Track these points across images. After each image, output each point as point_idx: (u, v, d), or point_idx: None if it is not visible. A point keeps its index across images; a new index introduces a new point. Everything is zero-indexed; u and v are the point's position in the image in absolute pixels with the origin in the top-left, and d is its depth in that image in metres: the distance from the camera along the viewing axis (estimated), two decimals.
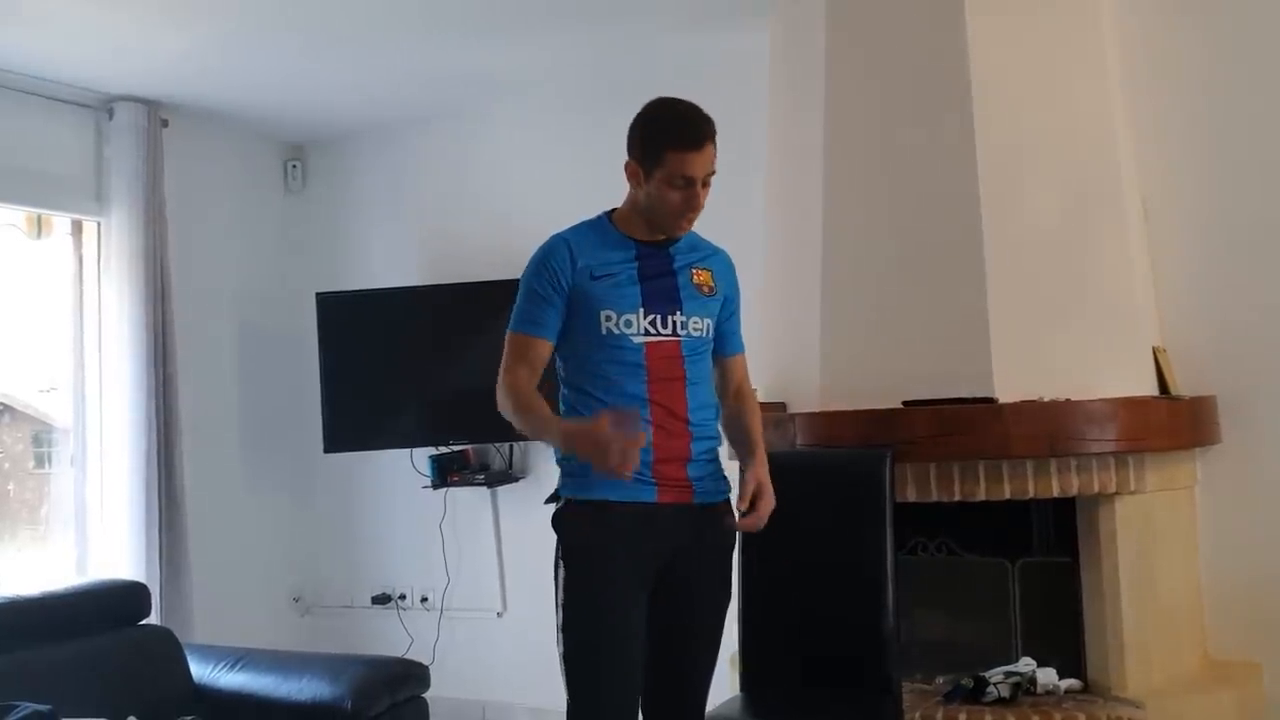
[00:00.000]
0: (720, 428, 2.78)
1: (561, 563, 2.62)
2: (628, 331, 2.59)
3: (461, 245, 5.40)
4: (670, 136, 2.56)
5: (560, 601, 2.60)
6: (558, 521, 2.65)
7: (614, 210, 2.72)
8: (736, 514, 2.65)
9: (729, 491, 2.75)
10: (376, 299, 5.32)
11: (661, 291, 2.64)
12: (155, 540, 4.77)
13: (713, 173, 2.60)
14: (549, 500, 2.68)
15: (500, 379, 2.64)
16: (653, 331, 2.61)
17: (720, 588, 2.74)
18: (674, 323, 2.63)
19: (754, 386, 2.93)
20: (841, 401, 3.68)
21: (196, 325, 5.23)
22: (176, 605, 4.79)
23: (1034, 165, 3.70)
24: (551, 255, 2.63)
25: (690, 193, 2.57)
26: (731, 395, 2.84)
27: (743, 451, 2.79)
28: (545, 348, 2.65)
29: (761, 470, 2.68)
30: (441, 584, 5.43)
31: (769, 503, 2.65)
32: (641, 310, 2.60)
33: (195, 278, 5.25)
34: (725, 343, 2.82)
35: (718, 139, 2.59)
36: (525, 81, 5.11)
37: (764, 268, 4.11)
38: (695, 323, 2.67)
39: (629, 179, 2.65)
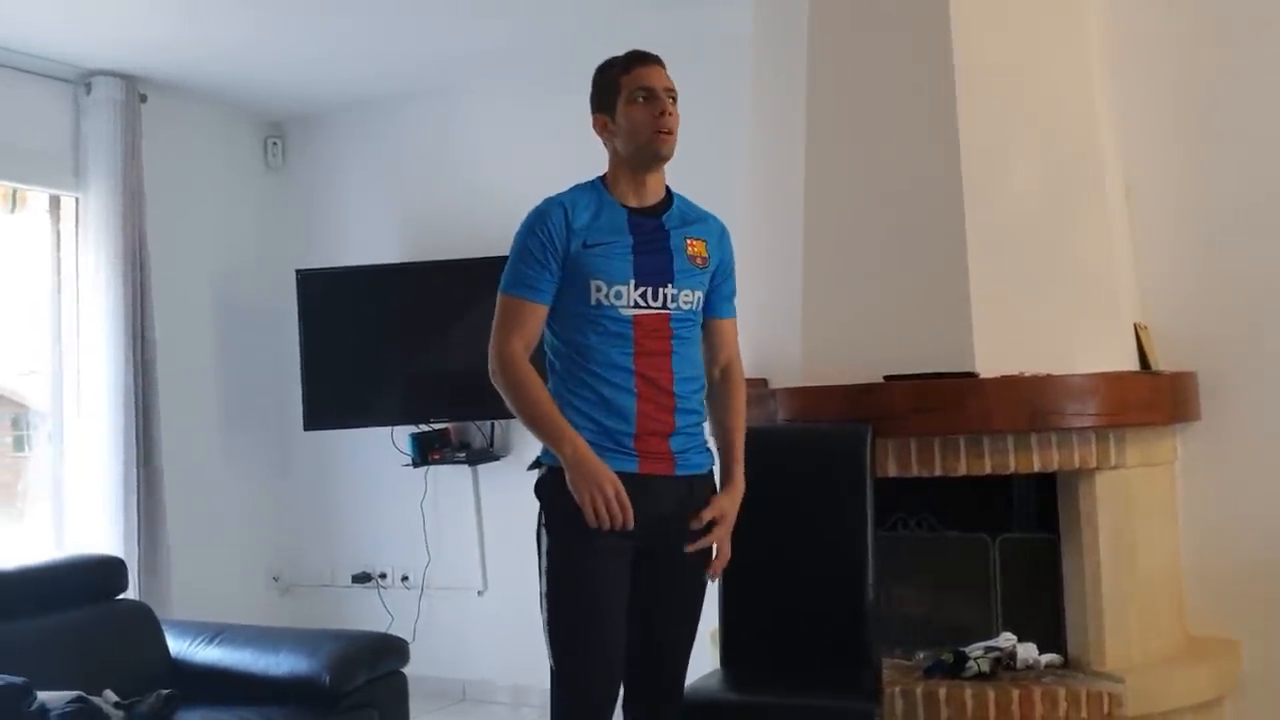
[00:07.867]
0: (704, 402, 2.75)
1: (544, 530, 2.60)
2: (617, 303, 2.56)
3: (442, 222, 5.38)
4: (621, 64, 2.65)
5: (543, 569, 2.58)
6: (541, 488, 2.61)
7: (604, 175, 2.69)
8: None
9: (712, 464, 2.73)
10: (357, 276, 5.30)
11: (654, 264, 2.61)
12: (133, 517, 4.75)
13: (674, 91, 2.62)
14: (532, 466, 2.65)
15: (494, 348, 2.58)
16: (642, 304, 2.58)
17: (700, 558, 2.68)
18: (664, 295, 2.60)
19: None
20: (823, 376, 3.67)
21: (175, 302, 5.20)
22: (154, 581, 4.77)
23: (1016, 145, 3.68)
24: (547, 217, 2.59)
25: (657, 104, 2.58)
26: (719, 372, 2.79)
27: (719, 448, 2.75)
28: (540, 313, 2.59)
29: (727, 499, 2.65)
30: (422, 562, 5.42)
31: (723, 537, 2.63)
32: (633, 283, 2.58)
33: (174, 254, 5.21)
34: (717, 306, 2.77)
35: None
36: (506, 58, 5.08)
37: (743, 244, 4.08)
38: (685, 295, 2.64)
39: (600, 134, 2.67)
